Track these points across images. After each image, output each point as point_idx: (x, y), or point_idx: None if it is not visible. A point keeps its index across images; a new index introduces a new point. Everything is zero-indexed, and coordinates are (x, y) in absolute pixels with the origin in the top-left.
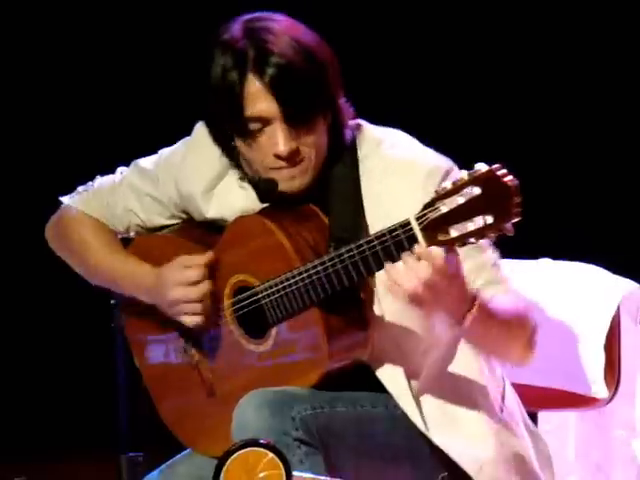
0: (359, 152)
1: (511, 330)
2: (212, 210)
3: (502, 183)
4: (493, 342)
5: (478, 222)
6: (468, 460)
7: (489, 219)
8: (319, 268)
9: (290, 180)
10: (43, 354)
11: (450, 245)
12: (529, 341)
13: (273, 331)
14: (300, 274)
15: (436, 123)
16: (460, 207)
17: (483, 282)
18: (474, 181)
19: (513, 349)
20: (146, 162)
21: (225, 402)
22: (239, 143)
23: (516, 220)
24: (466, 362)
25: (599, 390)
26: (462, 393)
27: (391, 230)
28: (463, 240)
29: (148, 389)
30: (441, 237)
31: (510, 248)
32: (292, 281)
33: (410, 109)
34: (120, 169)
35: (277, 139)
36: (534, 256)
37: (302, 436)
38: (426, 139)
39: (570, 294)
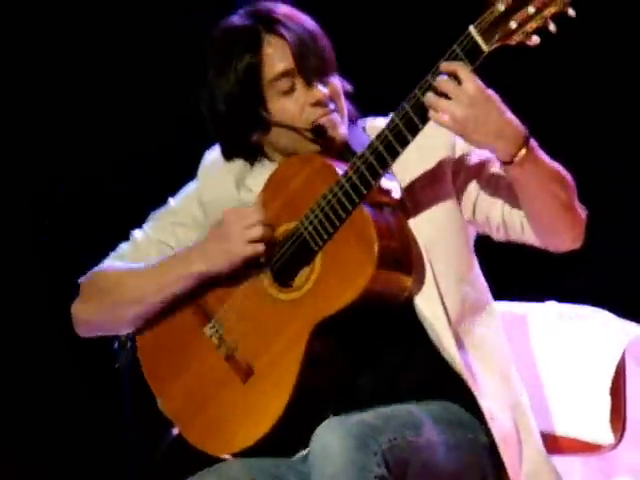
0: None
1: (562, 178)
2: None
3: None
4: (548, 185)
5: (539, 2)
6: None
7: None
8: (358, 161)
9: (335, 127)
10: (49, 400)
11: (510, 38)
12: (577, 203)
13: (318, 258)
14: (333, 188)
15: None
16: None
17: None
18: None
19: (567, 204)
20: (157, 212)
21: (272, 363)
22: (274, 111)
23: None
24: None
25: (605, 436)
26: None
27: (451, 51)
28: (524, 27)
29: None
30: (500, 33)
31: (516, 291)
32: (328, 197)
33: None
34: (132, 232)
35: (311, 87)
36: (540, 299)
37: (383, 473)
38: None
39: (576, 338)
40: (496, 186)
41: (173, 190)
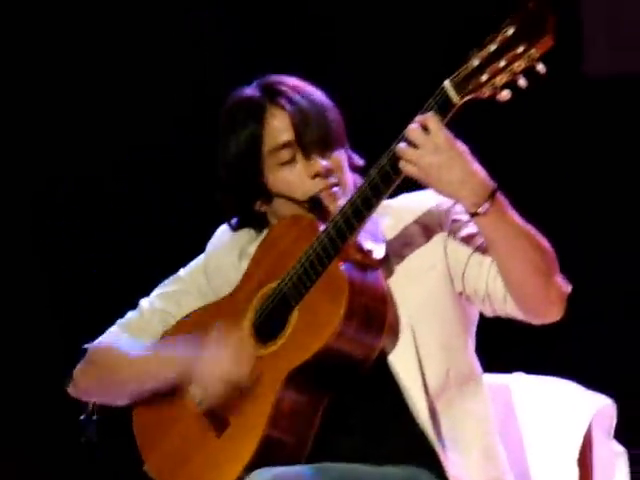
0: None
1: (533, 239)
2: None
3: (538, 7)
4: (517, 241)
5: (509, 57)
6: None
7: (520, 49)
8: (337, 216)
9: (334, 201)
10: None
11: (480, 91)
12: (555, 267)
13: (295, 313)
14: (319, 235)
15: None
16: (492, 53)
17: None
18: (509, 23)
19: (539, 264)
20: (165, 281)
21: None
22: (273, 182)
23: (549, 46)
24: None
25: None
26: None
27: (428, 102)
28: (493, 80)
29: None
30: (472, 85)
31: (483, 362)
32: (306, 255)
33: None
34: (140, 301)
35: (311, 160)
36: (508, 370)
37: None
38: None
39: (543, 409)
40: (482, 259)
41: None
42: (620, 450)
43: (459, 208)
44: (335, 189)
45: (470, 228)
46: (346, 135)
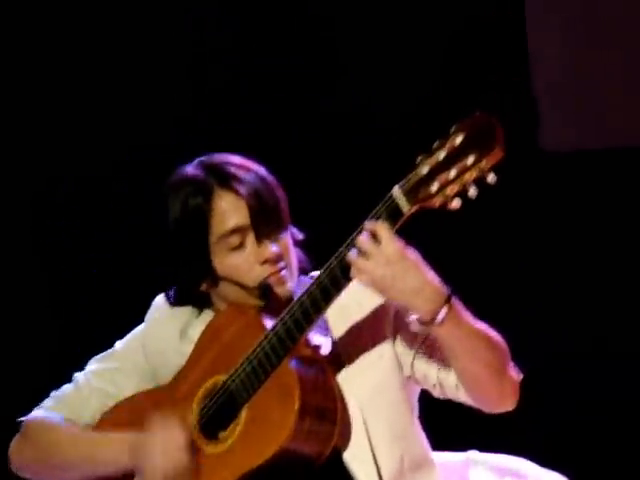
0: None
1: (487, 338)
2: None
3: (486, 118)
4: (471, 343)
5: (459, 168)
6: None
7: (470, 160)
8: (285, 315)
9: (283, 285)
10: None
11: (431, 201)
12: (508, 364)
13: (243, 413)
14: (267, 334)
15: None
16: (441, 162)
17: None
18: (457, 130)
19: (492, 362)
20: (102, 354)
21: None
22: (220, 266)
23: (499, 158)
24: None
25: None
26: None
27: (375, 211)
28: (444, 191)
29: None
30: (422, 195)
31: (438, 441)
32: (254, 354)
33: None
34: (75, 375)
35: (261, 245)
36: (462, 448)
37: None
38: None
39: None
40: (432, 346)
41: None
42: None
43: None
44: (283, 272)
45: None
46: (288, 213)
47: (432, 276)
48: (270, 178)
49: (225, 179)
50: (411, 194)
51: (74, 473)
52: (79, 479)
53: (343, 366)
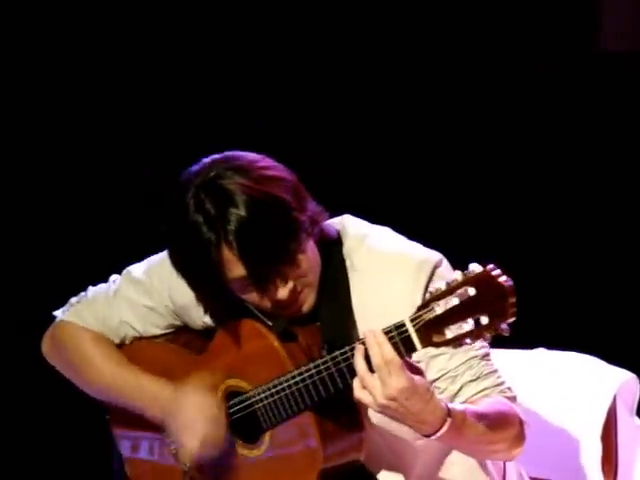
0: (344, 247)
1: (493, 434)
2: (208, 317)
3: (497, 284)
4: (473, 447)
5: (473, 323)
6: None
7: (484, 320)
8: (313, 371)
9: (298, 311)
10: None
11: (445, 346)
12: (515, 439)
13: (267, 436)
14: (294, 378)
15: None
16: (455, 308)
17: (468, 379)
18: (468, 282)
19: (497, 450)
20: (137, 272)
21: None
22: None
23: (512, 320)
24: (462, 458)
25: None
26: None
27: (387, 331)
28: (459, 341)
29: None
30: (436, 338)
31: (505, 337)
32: (285, 385)
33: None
34: (113, 277)
35: (270, 290)
36: (529, 346)
37: None
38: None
39: (566, 384)
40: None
41: None
42: None
43: None
44: (296, 303)
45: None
46: (303, 203)
47: (434, 403)
48: (280, 191)
49: (222, 231)
50: (424, 335)
51: (96, 392)
52: (102, 399)
53: None
